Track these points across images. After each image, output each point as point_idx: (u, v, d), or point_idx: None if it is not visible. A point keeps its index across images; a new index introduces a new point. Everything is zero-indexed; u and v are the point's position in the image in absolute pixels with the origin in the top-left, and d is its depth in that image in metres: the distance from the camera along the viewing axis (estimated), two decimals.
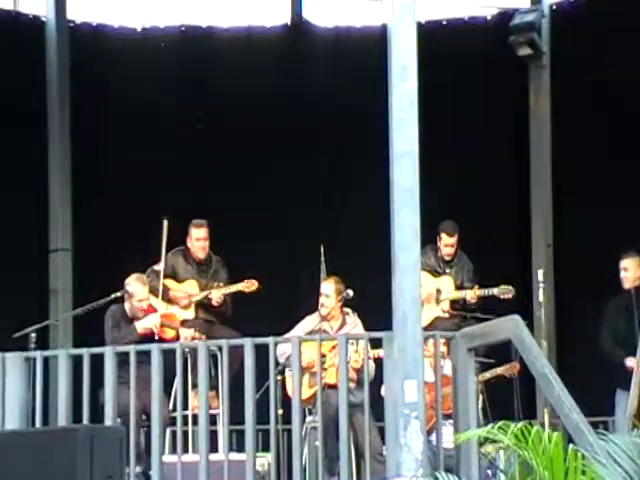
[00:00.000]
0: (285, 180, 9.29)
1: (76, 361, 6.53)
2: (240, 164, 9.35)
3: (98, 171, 9.34)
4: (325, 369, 6.75)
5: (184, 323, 7.63)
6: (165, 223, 7.33)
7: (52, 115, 9.39)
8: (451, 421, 6.27)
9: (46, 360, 6.62)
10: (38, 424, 6.44)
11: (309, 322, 7.21)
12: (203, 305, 7.76)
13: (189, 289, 7.79)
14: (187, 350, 6.75)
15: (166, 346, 6.62)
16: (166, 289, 7.68)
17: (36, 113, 9.20)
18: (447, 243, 7.95)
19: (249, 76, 9.36)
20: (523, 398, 7.36)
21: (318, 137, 9.41)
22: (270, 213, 9.17)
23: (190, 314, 7.72)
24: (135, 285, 7.27)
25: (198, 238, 7.77)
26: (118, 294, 7.28)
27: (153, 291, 7.48)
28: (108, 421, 6.36)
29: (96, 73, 9.39)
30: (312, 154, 9.38)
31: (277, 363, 6.53)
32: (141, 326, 7.04)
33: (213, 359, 6.91)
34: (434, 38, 8.26)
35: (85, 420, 6.34)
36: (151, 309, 7.29)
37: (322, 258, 7.53)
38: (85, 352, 6.52)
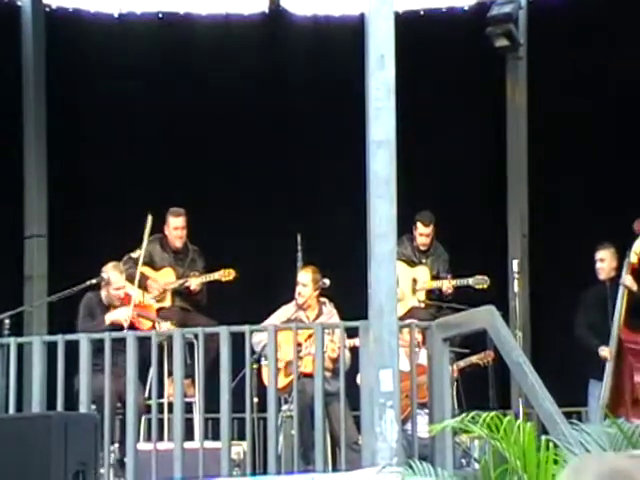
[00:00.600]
0: (261, 169, 9.25)
1: (51, 348, 6.50)
2: (216, 152, 9.28)
3: (74, 157, 9.28)
4: (301, 358, 6.74)
5: (160, 311, 7.61)
6: (149, 219, 7.28)
7: (27, 101, 9.32)
8: (426, 410, 6.31)
9: (20, 347, 6.60)
10: (12, 411, 6.42)
11: (285, 311, 7.20)
12: (179, 293, 7.74)
13: (165, 277, 7.76)
14: (163, 338, 6.72)
15: (141, 334, 6.64)
16: (144, 277, 7.63)
17: (11, 98, 9.13)
18: (423, 233, 7.97)
19: (227, 64, 9.33)
20: (498, 388, 7.39)
21: (295, 125, 9.38)
22: (247, 202, 9.14)
23: (166, 303, 7.69)
24: (112, 273, 7.22)
25: (176, 227, 7.75)
26: (94, 281, 7.23)
27: (130, 278, 7.46)
28: (82, 408, 6.34)
29: (72, 58, 9.32)
30: (289, 143, 9.34)
31: (253, 352, 6.53)
32: (110, 318, 6.99)
33: (189, 347, 6.88)
34: (412, 28, 8.26)
35: (59, 407, 6.32)
36: (127, 297, 7.26)
37: (299, 247, 7.50)
38: (60, 339, 6.52)
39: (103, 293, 7.27)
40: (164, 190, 8.79)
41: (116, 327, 7.04)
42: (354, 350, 6.58)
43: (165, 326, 7.17)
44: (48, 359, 6.50)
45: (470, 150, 9.16)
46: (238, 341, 6.31)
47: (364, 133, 5.97)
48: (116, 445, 6.63)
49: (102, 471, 6.17)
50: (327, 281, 7.20)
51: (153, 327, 7.23)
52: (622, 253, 7.21)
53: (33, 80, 9.31)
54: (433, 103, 9.02)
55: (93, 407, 6.50)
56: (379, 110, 6.03)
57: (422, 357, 6.60)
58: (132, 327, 7.07)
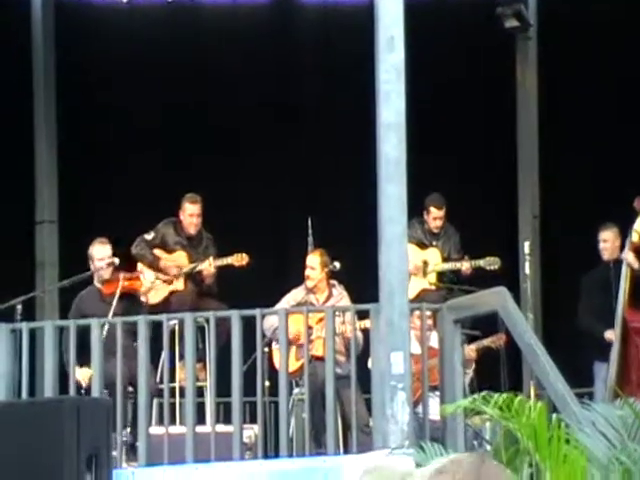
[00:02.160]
0: (272, 154, 9.20)
1: (62, 332, 6.54)
2: (227, 138, 9.23)
3: (84, 143, 9.27)
4: (312, 341, 6.73)
5: (173, 294, 7.59)
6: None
7: (37, 88, 9.33)
8: (437, 393, 6.30)
9: (32, 332, 6.60)
10: (24, 396, 6.44)
11: (295, 294, 7.20)
12: (192, 277, 7.71)
13: (178, 260, 7.73)
14: (174, 322, 6.72)
15: (153, 318, 6.64)
16: (156, 258, 7.62)
17: (21, 86, 9.16)
18: (436, 216, 7.97)
19: (235, 49, 9.28)
20: (509, 370, 7.38)
21: (306, 109, 9.31)
22: (257, 186, 9.12)
23: (179, 286, 7.65)
24: (94, 248, 7.18)
25: (192, 214, 7.72)
26: (88, 273, 7.26)
27: (143, 259, 7.44)
28: (94, 392, 6.35)
29: (82, 45, 9.32)
30: (299, 128, 9.26)
31: (264, 335, 6.53)
32: (77, 376, 6.66)
33: (200, 331, 6.87)
34: (421, 9, 8.22)
35: (71, 392, 6.36)
36: (112, 272, 7.14)
37: (309, 231, 7.49)
38: (71, 323, 6.55)
39: (94, 275, 7.20)
40: (177, 176, 8.78)
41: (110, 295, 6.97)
42: (365, 332, 6.58)
43: (149, 277, 7.19)
44: (60, 344, 6.53)
45: (480, 131, 9.11)
46: (249, 325, 6.31)
47: (374, 116, 5.92)
48: (128, 429, 6.64)
49: (114, 455, 6.17)
50: (337, 264, 7.21)
51: (138, 279, 7.24)
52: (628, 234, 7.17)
53: (43, 69, 9.34)
54: (443, 84, 8.95)
55: (105, 391, 6.53)
56: (388, 92, 6.03)
57: (433, 340, 6.60)
58: (126, 293, 7.05)
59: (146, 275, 7.24)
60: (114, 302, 6.92)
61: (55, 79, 9.26)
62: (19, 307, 6.93)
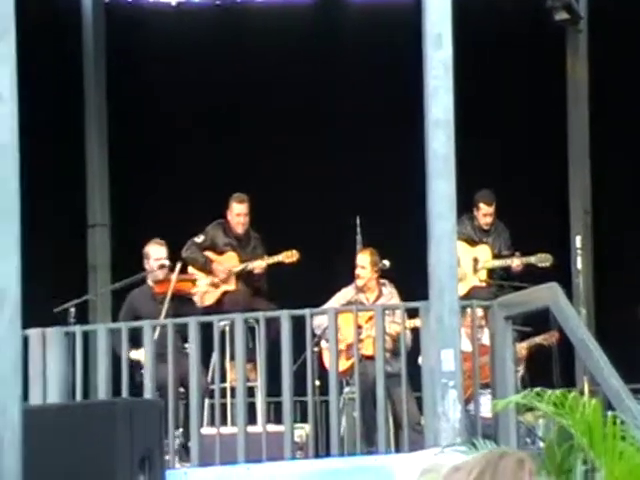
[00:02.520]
0: (321, 151, 9.19)
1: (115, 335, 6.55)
2: (274, 137, 9.22)
3: (135, 146, 9.31)
4: (362, 340, 6.70)
5: (225, 295, 7.59)
6: (178, 266, 7.16)
7: (89, 91, 9.35)
8: (489, 390, 6.25)
9: (85, 335, 6.65)
10: (78, 398, 6.48)
11: (345, 294, 7.18)
12: (243, 277, 7.69)
13: (229, 261, 7.71)
14: (224, 323, 6.73)
15: (204, 319, 6.65)
16: (208, 260, 7.62)
17: (72, 89, 9.22)
18: (486, 212, 7.88)
19: (283, 49, 9.22)
20: (562, 367, 7.28)
21: (353, 108, 9.25)
22: (308, 184, 9.10)
23: (231, 286, 7.64)
24: (151, 247, 7.19)
25: (239, 213, 7.70)
26: (144, 273, 7.25)
27: (194, 263, 7.46)
28: (147, 394, 6.38)
29: (131, 47, 9.36)
30: (347, 125, 9.23)
31: (314, 335, 6.52)
32: (132, 356, 6.67)
33: (250, 331, 6.88)
34: (469, 4, 8.14)
35: (124, 394, 6.38)
36: (166, 283, 7.13)
37: (358, 230, 7.43)
38: (123, 326, 6.57)
39: (148, 275, 7.21)
40: (227, 175, 8.77)
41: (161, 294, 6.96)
42: (415, 331, 6.53)
43: (205, 281, 7.19)
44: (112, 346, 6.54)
45: (530, 125, 9.00)
46: (299, 324, 6.30)
47: (422, 113, 5.90)
48: (180, 430, 6.66)
49: (167, 457, 6.21)
50: (387, 262, 7.18)
51: (193, 284, 7.24)
52: None
53: (94, 72, 9.36)
54: (491, 78, 8.84)
55: (157, 393, 6.52)
56: (437, 89, 5.98)
57: (484, 337, 6.54)
58: (178, 294, 7.05)
59: (202, 281, 7.20)
60: (166, 302, 6.91)
61: (106, 82, 9.31)
62: (72, 310, 6.95)
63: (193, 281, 7.26)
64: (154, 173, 9.26)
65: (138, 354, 6.66)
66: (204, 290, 7.25)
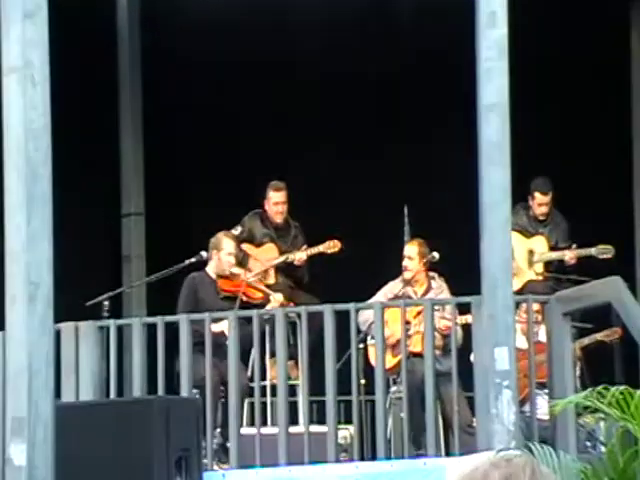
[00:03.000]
0: (367, 137, 9.09)
1: (150, 330, 6.53)
2: (319, 121, 9.13)
3: (171, 132, 9.31)
4: (410, 336, 6.66)
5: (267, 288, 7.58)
6: (255, 272, 7.23)
7: (123, 77, 9.31)
8: (546, 391, 6.18)
9: (120, 329, 6.65)
10: (112, 395, 6.48)
11: (392, 287, 7.14)
12: (283, 270, 7.68)
13: (267, 253, 7.72)
14: (265, 318, 6.73)
15: (243, 313, 6.63)
16: (245, 255, 7.62)
17: (106, 73, 9.23)
18: (541, 202, 7.79)
19: (328, 27, 9.09)
20: (624, 367, 7.16)
21: (402, 91, 9.13)
22: (352, 172, 9.01)
23: (270, 280, 7.64)
24: (224, 240, 7.22)
25: (276, 202, 7.70)
26: (193, 260, 7.23)
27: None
28: (184, 392, 6.36)
29: (166, 29, 9.34)
30: (396, 109, 9.14)
31: (359, 331, 6.49)
32: (214, 328, 6.73)
33: (292, 327, 6.86)
34: None
35: (160, 391, 6.36)
36: (236, 273, 7.20)
37: (406, 220, 7.39)
38: (159, 320, 6.56)
39: (211, 265, 7.21)
40: (266, 163, 8.76)
41: (229, 294, 7.00)
42: (467, 328, 6.47)
43: (278, 298, 7.14)
44: (148, 341, 6.52)
45: (591, 110, 8.82)
46: (343, 320, 6.27)
47: (475, 97, 5.84)
48: (218, 430, 6.65)
49: (205, 459, 6.21)
50: (436, 254, 7.13)
51: (264, 298, 7.22)
52: None
53: (129, 57, 9.30)
54: (550, 59, 8.67)
55: (195, 391, 6.52)
56: (490, 70, 5.90)
57: (541, 334, 6.47)
58: (238, 297, 7.09)
59: (276, 296, 7.17)
60: (237, 303, 6.91)
61: (141, 65, 9.30)
62: (106, 303, 6.94)
63: (266, 295, 7.25)
64: (190, 161, 9.25)
65: (219, 326, 6.64)
66: (276, 306, 7.19)
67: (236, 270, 7.23)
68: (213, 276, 7.24)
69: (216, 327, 6.66)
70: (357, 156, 9.03)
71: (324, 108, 9.07)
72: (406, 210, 7.30)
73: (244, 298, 7.12)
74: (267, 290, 7.31)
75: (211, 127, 9.25)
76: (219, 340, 6.59)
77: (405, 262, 7.14)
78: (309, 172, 8.75)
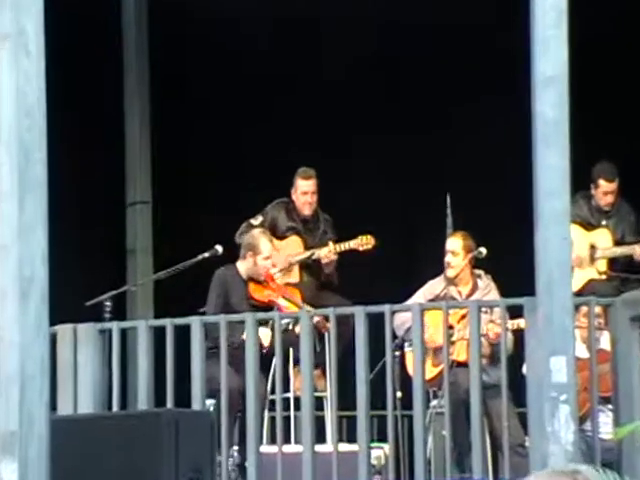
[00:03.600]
0: (404, 117, 9.09)
1: (158, 333, 6.52)
2: (336, 105, 9.14)
3: (181, 113, 9.39)
4: (453, 343, 6.68)
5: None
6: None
7: (129, 54, 9.41)
8: (610, 406, 6.14)
9: (124, 332, 6.65)
10: (115, 408, 6.48)
11: (432, 287, 7.14)
12: (308, 267, 7.71)
13: (292, 247, 7.74)
14: (288, 321, 6.77)
15: (262, 315, 6.63)
16: None
17: (111, 50, 9.32)
18: (606, 190, 7.76)
19: (356, 16, 9.08)
20: None
21: (444, 70, 9.12)
22: (382, 162, 9.06)
23: (293, 278, 7.67)
24: (262, 241, 7.26)
25: (305, 191, 7.73)
26: (206, 255, 7.26)
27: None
28: (196, 404, 6.35)
29: (175, 13, 9.36)
30: (436, 88, 9.12)
31: (395, 336, 6.48)
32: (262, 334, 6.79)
33: (318, 332, 6.91)
34: None
35: (169, 403, 6.36)
36: (271, 277, 7.30)
37: (448, 210, 7.36)
38: (168, 323, 6.53)
39: (243, 265, 7.29)
40: (284, 149, 8.79)
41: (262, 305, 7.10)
42: (518, 333, 6.47)
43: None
44: (156, 346, 6.52)
45: None
46: (377, 324, 6.24)
47: (529, 69, 5.79)
48: (235, 448, 6.68)
49: (220, 477, 6.24)
50: (483, 250, 7.09)
51: (296, 306, 7.29)
52: None
53: (135, 35, 9.36)
54: (614, 24, 8.61)
55: (210, 402, 6.54)
56: (547, 40, 5.84)
57: (604, 341, 6.42)
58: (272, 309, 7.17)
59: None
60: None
61: (147, 45, 9.38)
62: (108, 304, 6.97)
63: (298, 307, 7.28)
64: (203, 145, 9.26)
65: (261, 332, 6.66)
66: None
67: (279, 275, 7.26)
68: (244, 277, 7.32)
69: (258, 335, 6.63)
70: (388, 143, 9.00)
71: (354, 91, 9.06)
72: (449, 199, 7.25)
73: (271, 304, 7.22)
74: (301, 303, 7.32)
75: (224, 110, 9.26)
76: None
77: (448, 258, 7.13)
78: (337, 161, 8.76)
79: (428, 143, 8.91)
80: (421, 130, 9.01)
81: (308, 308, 7.14)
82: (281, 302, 7.27)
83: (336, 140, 9.00)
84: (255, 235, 7.33)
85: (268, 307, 7.19)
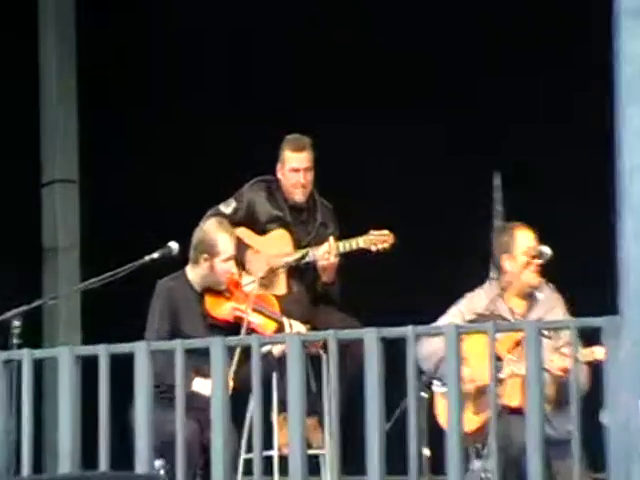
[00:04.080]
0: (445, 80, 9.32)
1: (88, 364, 6.49)
2: (355, 66, 9.37)
3: (115, 70, 9.71)
4: (502, 382, 6.75)
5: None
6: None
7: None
8: None
9: (39, 364, 6.64)
10: (25, 470, 6.45)
11: (473, 302, 7.21)
12: (299, 273, 7.79)
13: (276, 245, 7.83)
14: (269, 348, 6.93)
15: (233, 339, 6.65)
16: (240, 245, 7.72)
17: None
18: None
19: None
20: None
21: (500, 13, 9.33)
22: (403, 123, 9.14)
23: (279, 289, 7.77)
24: (219, 235, 7.35)
25: (296, 168, 7.84)
26: (155, 255, 7.31)
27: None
28: (140, 464, 6.31)
29: None
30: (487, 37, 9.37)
31: (420, 371, 6.51)
32: (197, 387, 7.06)
33: (313, 363, 7.14)
34: None
35: (103, 463, 6.37)
36: (235, 283, 7.42)
37: (496, 195, 7.33)
38: (102, 350, 6.48)
39: (195, 272, 7.43)
40: (270, 109, 9.06)
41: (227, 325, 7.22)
42: (595, 367, 6.53)
43: (298, 328, 7.31)
44: (85, 383, 6.49)
45: None
46: (395, 353, 6.22)
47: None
48: None
49: None
50: (547, 250, 7.13)
51: (278, 330, 7.38)
52: None
53: None
54: None
55: (159, 463, 6.66)
56: None
57: None
58: (246, 331, 7.27)
59: (296, 326, 7.41)
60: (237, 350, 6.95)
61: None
62: (16, 324, 7.03)
63: (279, 324, 7.43)
64: (143, 111, 9.55)
65: (204, 385, 6.84)
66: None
67: (249, 284, 7.33)
68: (198, 288, 7.35)
69: (198, 386, 6.92)
70: (407, 101, 9.20)
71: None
72: (498, 179, 7.20)
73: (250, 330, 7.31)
74: (280, 317, 7.41)
75: (180, 63, 9.67)
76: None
77: (499, 260, 7.26)
78: (341, 137, 8.87)
79: (478, 98, 9.06)
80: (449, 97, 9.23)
81: (296, 324, 7.26)
82: (253, 318, 7.36)
83: (340, 101, 9.21)
84: (209, 228, 7.39)
85: (233, 328, 7.27)
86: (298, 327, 7.37)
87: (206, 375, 6.59)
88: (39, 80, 9.78)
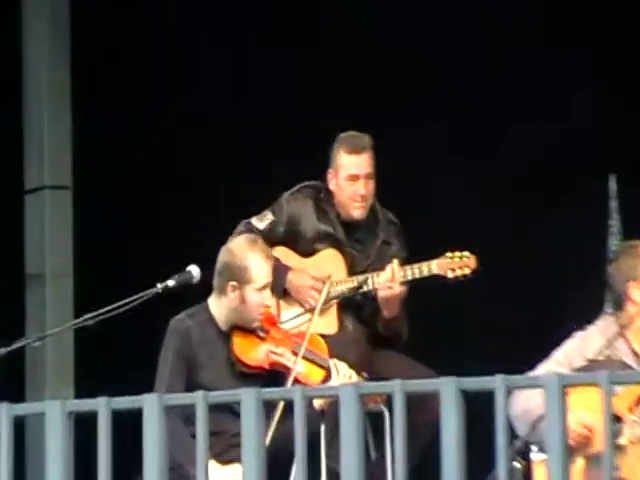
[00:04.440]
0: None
1: (83, 423, 6.22)
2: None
3: (114, 73, 10.10)
4: (622, 449, 6.70)
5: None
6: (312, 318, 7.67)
7: None
8: None
9: (21, 421, 6.51)
10: None
11: (586, 342, 7.15)
12: (355, 307, 7.93)
13: (327, 268, 7.94)
14: (326, 404, 7.18)
15: (270, 391, 6.48)
16: (280, 268, 7.90)
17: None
18: None
19: None
20: None
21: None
22: (401, 125, 9.37)
23: (329, 325, 7.86)
24: (251, 257, 7.41)
25: (354, 175, 8.05)
26: (170, 283, 7.40)
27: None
28: None
29: None
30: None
31: (513, 434, 6.49)
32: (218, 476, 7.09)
33: (372, 422, 7.38)
34: None
35: None
36: (272, 319, 7.55)
37: (612, 204, 7.35)
38: (102, 405, 6.37)
39: (220, 305, 7.51)
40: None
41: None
42: None
43: (345, 372, 7.41)
44: (79, 444, 6.15)
45: None
46: (479, 410, 5.93)
47: None
48: None
49: None
50: None
51: (325, 379, 7.50)
52: None
53: None
54: None
55: None
56: None
57: None
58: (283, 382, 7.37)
59: (342, 369, 7.51)
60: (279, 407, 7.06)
61: None
62: None
63: (326, 370, 7.52)
64: (143, 112, 9.93)
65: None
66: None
67: (294, 318, 7.57)
68: (223, 326, 7.36)
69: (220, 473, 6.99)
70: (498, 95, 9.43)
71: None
72: (613, 184, 7.10)
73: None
74: (327, 360, 7.50)
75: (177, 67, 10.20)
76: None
77: (617, 287, 7.17)
78: (406, 142, 9.11)
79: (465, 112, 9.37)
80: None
81: (342, 367, 7.39)
82: (295, 365, 7.42)
83: (340, 101, 9.53)
84: (238, 249, 7.45)
85: (270, 377, 7.38)
86: (346, 371, 7.42)
87: (223, 455, 6.78)
88: (22, 72, 10.06)
